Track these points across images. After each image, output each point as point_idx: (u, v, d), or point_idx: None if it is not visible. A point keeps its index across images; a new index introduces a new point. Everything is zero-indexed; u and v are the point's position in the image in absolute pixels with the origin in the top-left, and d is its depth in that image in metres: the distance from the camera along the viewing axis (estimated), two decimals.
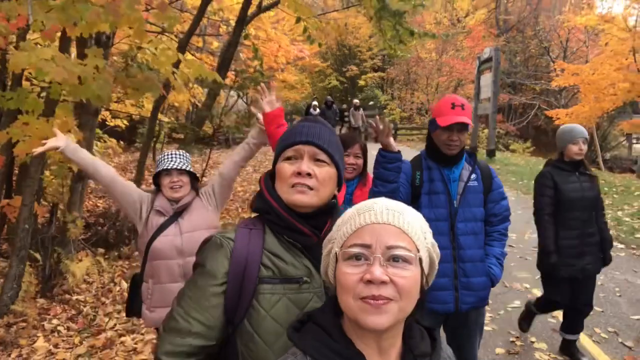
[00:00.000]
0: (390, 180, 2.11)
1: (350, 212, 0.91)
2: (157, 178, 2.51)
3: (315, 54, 22.22)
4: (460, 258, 2.25)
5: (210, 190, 2.63)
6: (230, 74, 10.76)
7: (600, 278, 4.92)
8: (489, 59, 13.16)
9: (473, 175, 2.30)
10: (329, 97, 18.03)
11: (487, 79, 13.41)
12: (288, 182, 1.14)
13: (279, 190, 1.16)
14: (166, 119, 11.26)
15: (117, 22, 3.40)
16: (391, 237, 0.83)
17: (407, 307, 0.84)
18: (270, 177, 1.22)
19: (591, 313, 4.13)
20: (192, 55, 9.25)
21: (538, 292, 4.55)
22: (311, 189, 1.14)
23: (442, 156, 2.28)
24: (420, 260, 0.85)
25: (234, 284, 1.11)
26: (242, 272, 1.11)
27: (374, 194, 2.14)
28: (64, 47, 4.52)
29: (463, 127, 2.18)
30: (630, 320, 4.07)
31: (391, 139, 2.11)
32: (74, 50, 5.26)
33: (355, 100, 19.84)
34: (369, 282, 0.80)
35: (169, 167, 2.43)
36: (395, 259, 0.82)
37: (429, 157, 2.34)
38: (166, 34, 7.04)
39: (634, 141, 26.48)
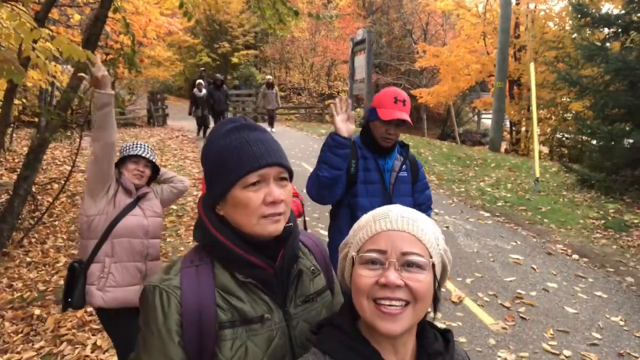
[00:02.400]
0: (337, 167, 2.08)
1: (366, 217, 0.95)
2: (121, 163, 2.60)
3: (185, 30, 21.11)
4: None
5: (159, 190, 2.81)
6: (99, 51, 9.75)
7: (474, 246, 5.49)
8: (362, 41, 13.66)
9: (404, 166, 2.36)
10: (218, 75, 14.89)
11: (361, 60, 13.93)
12: (258, 213, 0.99)
13: (243, 222, 1.00)
14: (17, 101, 9.82)
15: None
16: (405, 244, 0.87)
17: (421, 311, 0.88)
18: (211, 206, 1.04)
19: (472, 279, 4.63)
20: (49, 29, 8.14)
21: None
22: (281, 214, 1.01)
23: (378, 147, 2.30)
24: (433, 265, 0.89)
25: (190, 336, 0.95)
26: (198, 321, 0.96)
27: (318, 178, 2.09)
28: None
29: (402, 123, 2.22)
30: (505, 283, 4.59)
31: (347, 123, 2.06)
32: None
33: (268, 77, 16.64)
34: (384, 285, 0.85)
35: (139, 154, 2.58)
36: (409, 264, 0.86)
37: (364, 146, 2.35)
38: (13, 3, 6.07)
39: (483, 116, 29.90)
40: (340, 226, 2.34)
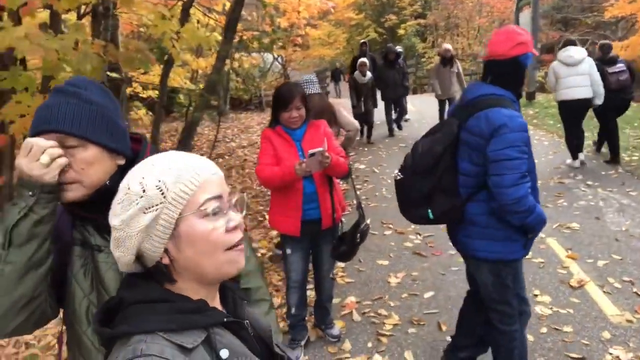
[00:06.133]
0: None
1: (173, 172, 0.82)
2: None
3: (349, 6, 21.46)
4: None
5: None
6: (252, 33, 10.62)
7: (625, 223, 4.59)
8: None
9: None
10: (391, 45, 10.40)
11: (526, 16, 12.44)
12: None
13: None
14: (193, 87, 11.26)
15: None
16: (224, 185, 0.88)
17: None
18: None
19: (607, 262, 3.90)
20: (206, 16, 9.14)
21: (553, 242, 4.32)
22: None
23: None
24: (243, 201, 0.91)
25: None
26: None
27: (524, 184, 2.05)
28: (54, 23, 4.56)
29: None
30: None
31: None
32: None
33: (446, 46, 9.31)
34: (235, 228, 0.84)
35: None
36: (234, 203, 0.88)
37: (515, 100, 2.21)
38: None
39: None
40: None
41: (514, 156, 2.03)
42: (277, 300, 3.70)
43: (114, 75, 8.05)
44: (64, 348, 1.21)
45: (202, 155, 0.92)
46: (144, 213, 0.81)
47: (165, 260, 0.83)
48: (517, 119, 2.06)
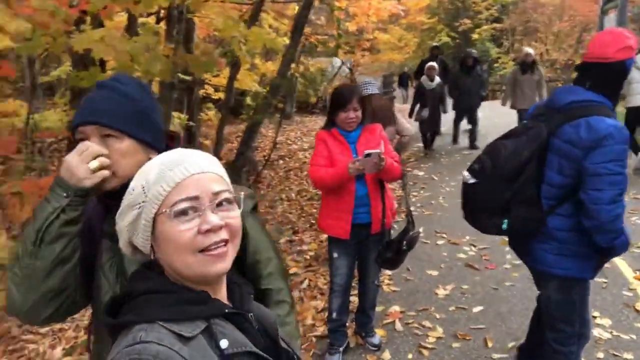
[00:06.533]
0: None
1: (156, 170, 0.86)
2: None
3: (422, 10, 21.09)
4: None
5: None
6: (317, 37, 10.74)
7: None
8: None
9: None
10: (470, 50, 9.45)
11: (611, 20, 11.60)
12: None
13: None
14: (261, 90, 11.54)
15: None
16: (214, 184, 0.86)
17: (238, 245, 0.90)
18: None
19: None
20: (277, 20, 9.35)
21: None
22: None
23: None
24: (237, 200, 0.90)
25: None
26: None
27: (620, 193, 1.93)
28: (131, 26, 4.89)
29: None
30: None
31: None
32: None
33: (527, 50, 8.63)
34: (208, 231, 0.83)
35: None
36: (221, 203, 0.86)
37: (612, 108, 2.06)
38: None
39: None
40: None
41: (616, 171, 1.88)
42: (320, 304, 3.72)
43: (185, 77, 8.46)
44: (92, 338, 1.28)
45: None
46: (131, 210, 0.87)
47: (153, 256, 0.88)
48: (623, 130, 1.90)
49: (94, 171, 1.03)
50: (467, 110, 8.66)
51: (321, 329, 3.43)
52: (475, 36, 24.23)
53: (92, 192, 1.08)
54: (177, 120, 6.68)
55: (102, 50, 3.62)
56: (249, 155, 7.18)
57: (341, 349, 3.07)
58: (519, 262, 4.14)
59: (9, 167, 7.68)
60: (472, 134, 8.75)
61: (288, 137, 12.10)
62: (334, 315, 3.01)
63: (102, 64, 5.49)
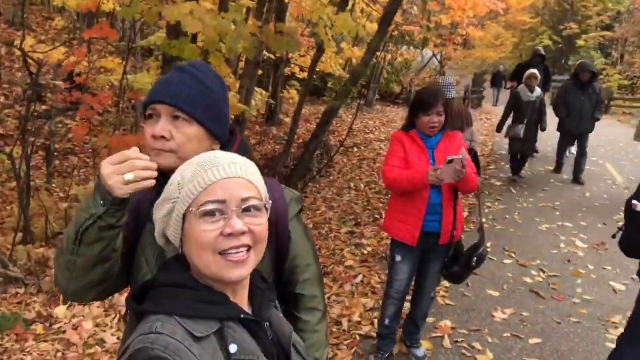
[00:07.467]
0: None
1: (191, 169, 0.90)
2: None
3: (524, 9, 19.92)
4: None
5: None
6: (405, 28, 10.45)
7: None
8: None
9: None
10: (586, 62, 7.67)
11: None
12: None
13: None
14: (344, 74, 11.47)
15: None
16: (243, 190, 0.88)
17: (261, 252, 0.91)
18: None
19: None
20: (369, 7, 9.19)
21: None
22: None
23: None
24: (266, 207, 0.92)
25: None
26: None
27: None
28: (223, 2, 4.96)
29: None
30: None
31: None
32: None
33: None
34: (230, 235, 0.85)
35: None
36: (247, 209, 0.88)
37: None
38: None
39: None
40: None
41: None
42: (369, 303, 3.64)
43: (272, 56, 8.55)
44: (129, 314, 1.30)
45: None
46: (166, 203, 0.91)
47: (181, 250, 0.92)
48: None
49: (127, 184, 0.98)
50: (576, 136, 7.16)
51: (366, 328, 3.37)
52: (580, 42, 22.58)
53: (127, 200, 1.03)
54: (259, 97, 6.78)
55: (190, 23, 3.70)
56: (323, 139, 7.16)
57: (386, 355, 3.01)
58: (590, 297, 3.87)
59: (105, 119, 8.27)
60: (578, 165, 7.15)
61: (366, 125, 11.95)
62: (387, 322, 2.94)
63: (194, 35, 5.68)
